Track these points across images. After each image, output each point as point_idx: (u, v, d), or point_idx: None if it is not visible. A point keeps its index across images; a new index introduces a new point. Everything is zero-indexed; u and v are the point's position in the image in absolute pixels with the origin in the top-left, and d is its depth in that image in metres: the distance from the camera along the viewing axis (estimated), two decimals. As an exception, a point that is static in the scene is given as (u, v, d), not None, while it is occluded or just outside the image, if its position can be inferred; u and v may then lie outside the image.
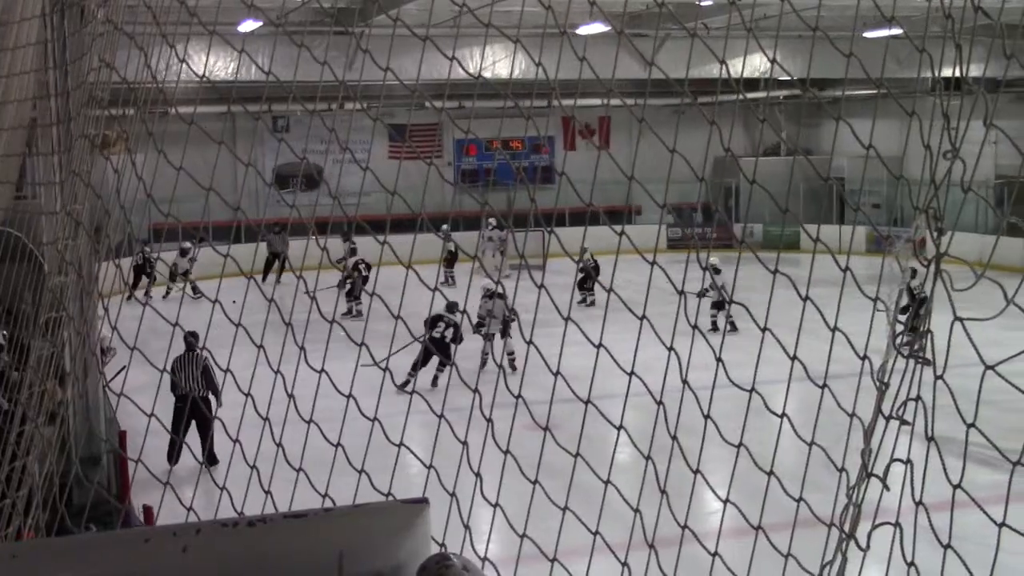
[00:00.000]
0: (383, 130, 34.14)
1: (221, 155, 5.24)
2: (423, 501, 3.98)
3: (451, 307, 17.88)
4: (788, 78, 29.90)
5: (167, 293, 27.95)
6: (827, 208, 37.10)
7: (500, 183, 36.39)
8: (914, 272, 15.89)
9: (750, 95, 32.66)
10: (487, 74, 28.67)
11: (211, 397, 15.43)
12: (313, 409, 4.75)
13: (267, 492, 4.69)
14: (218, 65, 25.84)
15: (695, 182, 4.89)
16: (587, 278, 25.89)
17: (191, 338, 14.70)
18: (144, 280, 26.68)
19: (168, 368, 11.63)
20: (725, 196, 39.26)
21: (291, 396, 4.88)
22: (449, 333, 17.95)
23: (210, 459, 13.98)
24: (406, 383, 16.94)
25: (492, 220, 32.07)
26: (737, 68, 21.98)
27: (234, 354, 4.95)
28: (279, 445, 4.82)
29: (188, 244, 28.45)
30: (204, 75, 6.73)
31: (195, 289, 26.09)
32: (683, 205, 37.19)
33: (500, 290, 20.52)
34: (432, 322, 17.78)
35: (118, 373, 6.51)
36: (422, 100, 31.52)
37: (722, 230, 36.66)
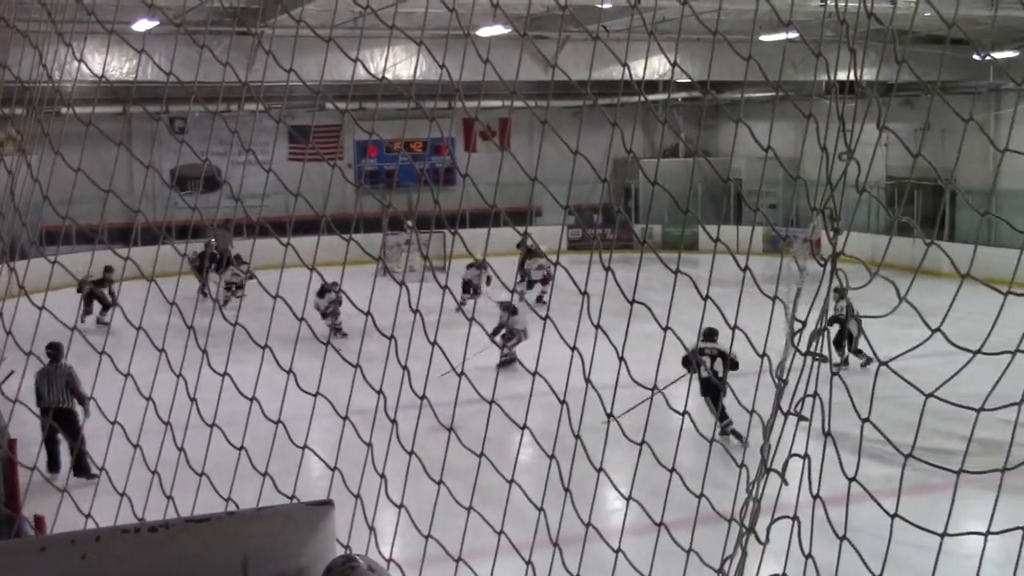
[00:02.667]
0: (283, 131, 33.81)
1: (118, 156, 5.15)
2: (328, 503, 3.96)
3: (710, 334, 14.52)
4: (687, 80, 30.25)
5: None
6: (725, 209, 37.62)
7: (402, 184, 36.30)
8: (842, 292, 15.64)
9: (651, 97, 32.97)
10: (388, 75, 28.55)
11: (77, 408, 15.08)
12: (216, 412, 4.70)
13: (169, 497, 4.63)
14: (113, 64, 25.36)
15: (595, 183, 4.92)
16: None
17: (51, 349, 14.35)
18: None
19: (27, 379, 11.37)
20: (625, 197, 39.56)
21: (193, 400, 4.82)
22: (719, 367, 14.29)
23: (79, 470, 13.70)
24: (726, 425, 13.14)
25: (410, 222, 32.02)
26: (638, 71, 22.19)
27: (135, 358, 4.88)
28: (181, 449, 4.76)
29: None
30: (102, 75, 6.59)
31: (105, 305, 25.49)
32: (584, 206, 37.42)
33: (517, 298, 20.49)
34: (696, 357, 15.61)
35: (6, 378, 6.35)
36: (324, 101, 31.24)
37: (623, 231, 36.94)
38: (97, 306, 25.58)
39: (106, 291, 25.37)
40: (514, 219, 4.89)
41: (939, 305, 3.65)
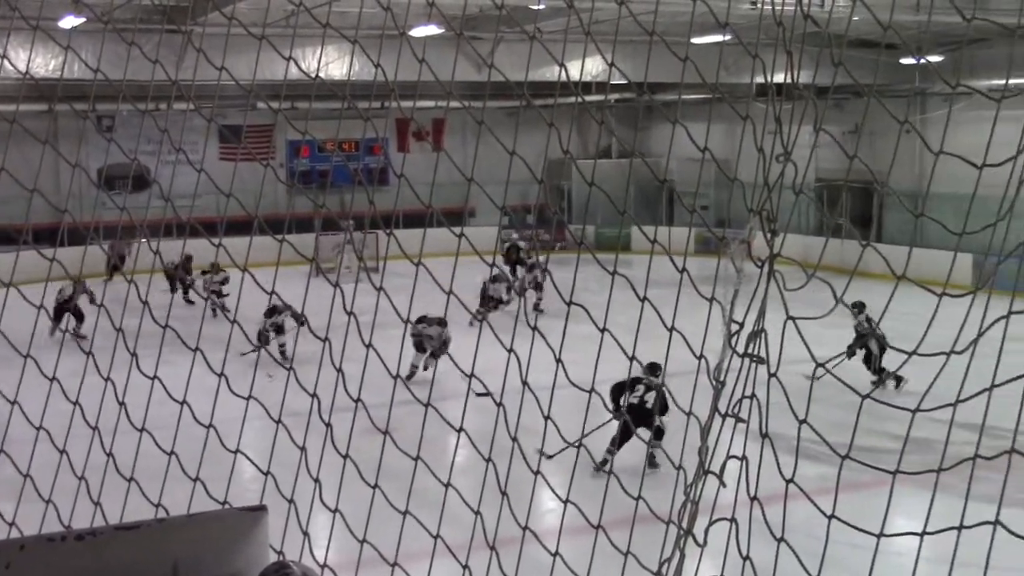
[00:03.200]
0: (215, 131, 33.46)
1: (44, 155, 5.04)
2: (260, 508, 3.90)
3: (653, 368, 13.48)
4: (622, 82, 30.37)
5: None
6: (658, 210, 37.81)
7: (335, 185, 36.04)
8: (861, 307, 15.56)
9: (586, 98, 32.99)
10: (322, 75, 28.34)
11: None
12: (146, 416, 4.60)
13: (96, 503, 4.53)
14: (38, 61, 24.92)
15: (530, 184, 4.90)
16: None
17: None
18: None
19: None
20: (559, 198, 39.62)
21: (122, 404, 4.72)
22: (650, 398, 13.02)
23: None
24: (604, 463, 12.18)
25: (349, 221, 31.79)
26: (573, 71, 22.24)
27: (60, 362, 4.77)
28: (109, 455, 4.66)
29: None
30: (26, 72, 6.45)
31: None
32: (519, 207, 37.44)
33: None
34: (630, 384, 13.01)
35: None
36: (256, 101, 30.95)
37: (558, 232, 37.01)
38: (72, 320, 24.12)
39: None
40: (449, 219, 4.85)
41: (870, 305, 3.67)
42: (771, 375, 3.72)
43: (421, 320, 17.88)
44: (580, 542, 4.26)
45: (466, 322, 15.96)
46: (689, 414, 3.95)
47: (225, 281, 25.76)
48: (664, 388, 13.50)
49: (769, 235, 3.76)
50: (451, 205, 30.85)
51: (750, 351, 3.74)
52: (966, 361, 3.40)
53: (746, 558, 3.74)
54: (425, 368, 18.13)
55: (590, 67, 26.97)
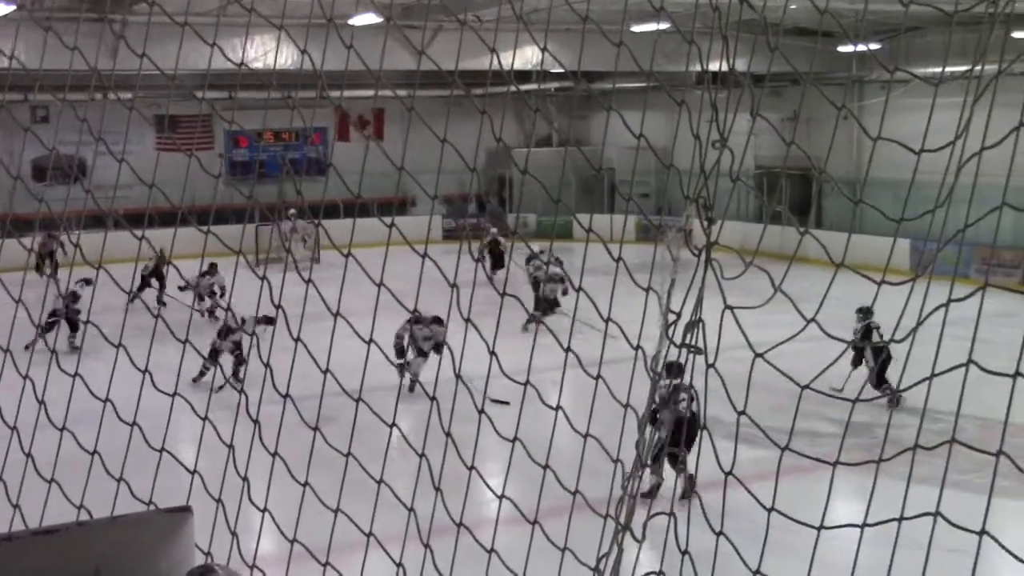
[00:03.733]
0: (155, 121, 33.04)
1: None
2: (185, 509, 3.77)
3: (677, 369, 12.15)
4: (559, 70, 30.32)
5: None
6: (598, 198, 37.83)
7: (274, 175, 35.74)
8: (866, 313, 14.78)
9: (522, 87, 32.97)
10: (259, 64, 28.04)
11: None
12: (67, 415, 4.44)
13: (15, 506, 4.37)
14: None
15: (469, 172, 4.79)
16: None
17: None
18: None
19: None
20: (499, 186, 39.53)
21: (41, 403, 4.56)
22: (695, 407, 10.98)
23: None
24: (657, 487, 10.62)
25: (293, 211, 31.64)
26: (509, 60, 22.09)
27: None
28: (28, 455, 4.49)
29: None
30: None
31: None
32: (456, 196, 37.31)
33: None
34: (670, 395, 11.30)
35: None
36: (191, 91, 30.51)
37: (496, 221, 36.93)
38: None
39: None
40: (387, 209, 4.74)
41: (808, 290, 3.60)
42: (709, 366, 3.65)
43: (417, 320, 16.37)
44: (518, 534, 4.17)
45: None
46: (626, 406, 3.86)
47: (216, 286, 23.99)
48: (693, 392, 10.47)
49: (706, 223, 3.68)
50: (389, 195, 30.74)
51: (688, 341, 3.66)
52: (906, 349, 3.34)
53: (684, 552, 3.67)
54: (402, 372, 15.89)
55: (528, 55, 26.90)
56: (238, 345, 17.78)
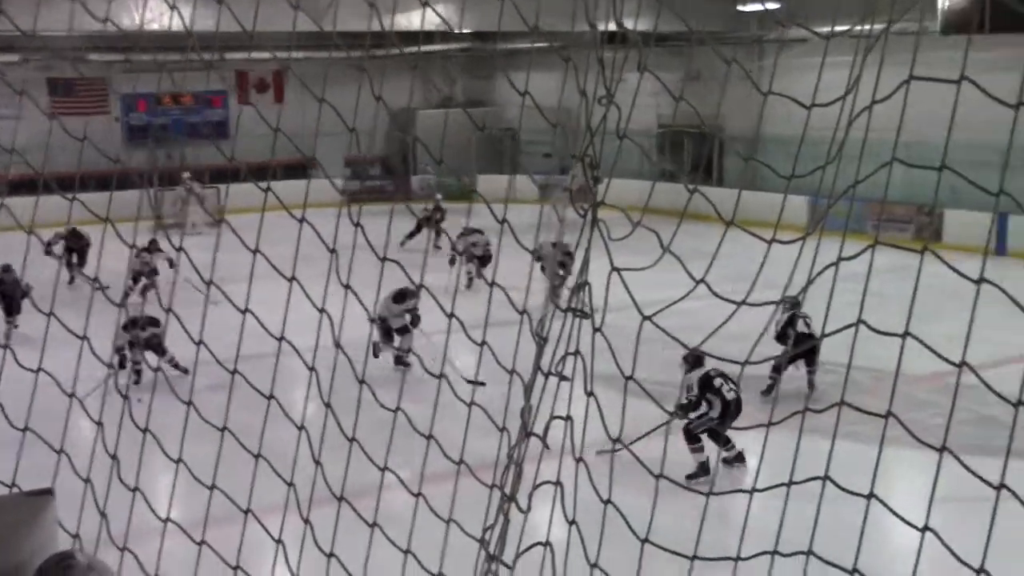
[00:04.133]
0: (48, 85, 32.11)
1: None
2: (47, 492, 3.55)
3: (697, 360, 11.18)
4: (463, 32, 30.04)
5: None
6: (501, 158, 37.65)
7: (173, 138, 35.01)
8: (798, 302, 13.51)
9: (425, 48, 32.62)
10: (155, 26, 27.34)
11: None
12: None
13: None
14: None
15: (372, 135, 4.60)
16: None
17: None
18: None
19: None
20: (403, 149, 39.12)
21: None
22: (734, 391, 11.00)
23: None
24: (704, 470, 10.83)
25: (187, 174, 31.04)
26: (415, 21, 21.71)
27: None
28: None
29: None
30: None
31: None
32: (361, 158, 36.85)
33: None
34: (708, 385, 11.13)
35: None
36: (84, 53, 29.64)
37: (401, 182, 36.59)
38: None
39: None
40: (291, 172, 4.56)
41: (703, 248, 3.48)
42: (596, 330, 3.52)
43: (404, 296, 14.84)
44: (408, 505, 4.01)
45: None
46: (512, 372, 3.72)
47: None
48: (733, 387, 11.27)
49: (592, 182, 3.53)
50: (293, 157, 30.19)
51: (574, 305, 3.52)
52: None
53: (572, 522, 3.55)
54: (377, 353, 14.72)
55: (432, 17, 26.57)
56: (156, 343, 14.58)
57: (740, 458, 11.24)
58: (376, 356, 14.34)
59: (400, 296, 15.05)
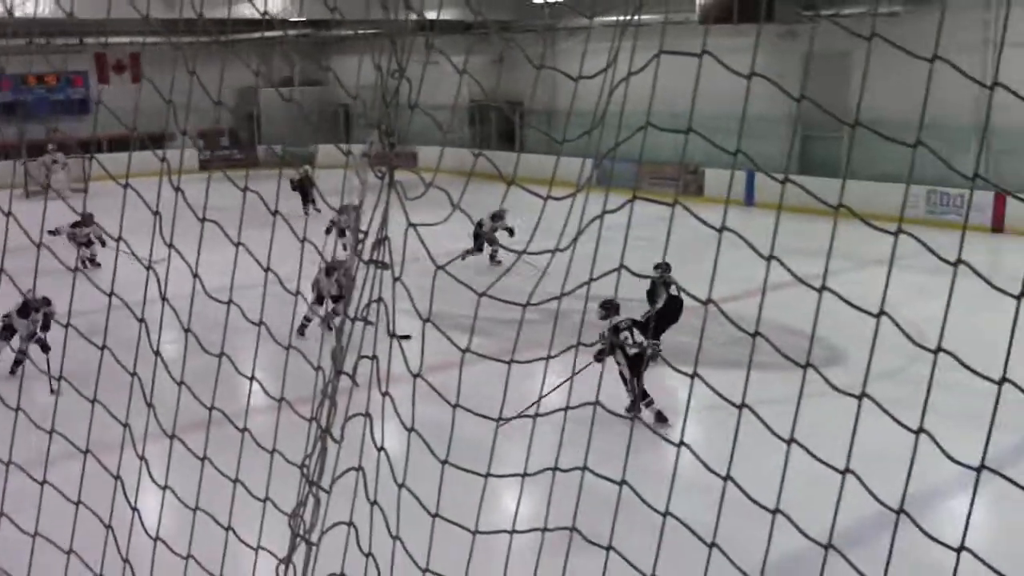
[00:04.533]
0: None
1: None
2: None
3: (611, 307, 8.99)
4: (303, 19, 29.25)
5: None
6: (337, 130, 36.91)
7: (37, 115, 33.43)
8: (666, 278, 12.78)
9: (268, 33, 31.68)
10: (18, 13, 25.69)
11: None
12: None
13: None
14: None
15: (221, 111, 4.29)
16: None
17: None
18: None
19: None
20: (248, 122, 37.97)
21: None
22: (637, 345, 10.62)
23: None
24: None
25: (52, 145, 29.54)
26: (255, 10, 21.01)
27: None
28: None
29: None
30: None
31: None
32: (211, 131, 35.66)
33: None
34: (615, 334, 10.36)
35: None
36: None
37: (248, 151, 35.57)
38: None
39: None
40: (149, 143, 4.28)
41: (492, 205, 3.35)
42: (395, 279, 3.36)
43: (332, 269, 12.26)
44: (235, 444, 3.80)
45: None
46: (324, 319, 3.53)
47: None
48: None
49: (388, 148, 3.35)
50: (151, 131, 28.95)
51: (375, 257, 3.35)
52: (569, 255, 3.15)
53: (380, 449, 3.41)
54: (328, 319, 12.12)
55: (271, 4, 25.72)
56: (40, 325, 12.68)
57: (661, 417, 10.73)
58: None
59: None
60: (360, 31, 29.01)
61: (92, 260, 18.22)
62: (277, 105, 34.35)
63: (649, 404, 10.84)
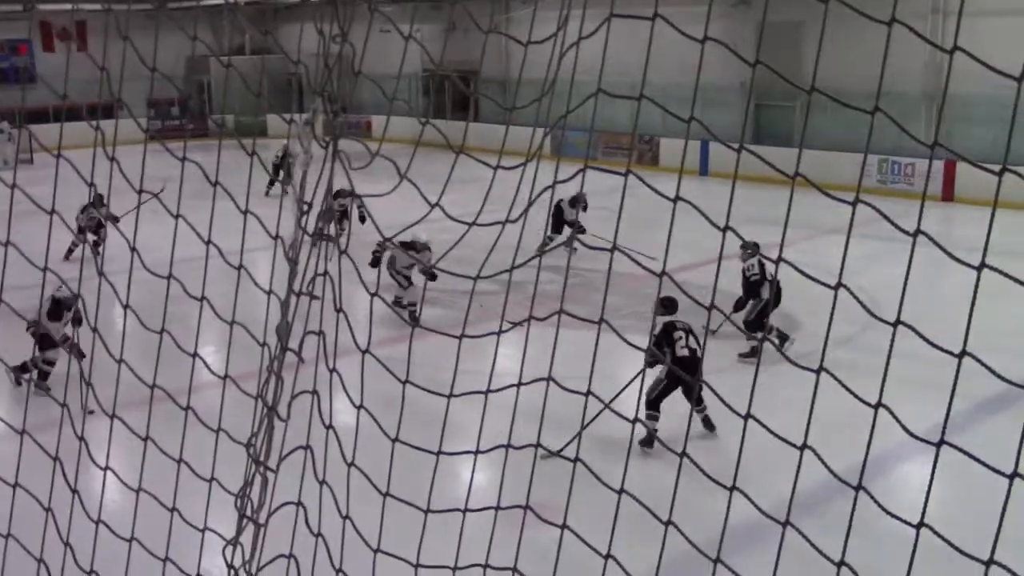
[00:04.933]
0: None
1: None
2: None
3: (670, 304, 9.46)
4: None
5: None
6: (288, 100, 36.42)
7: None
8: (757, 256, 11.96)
9: (213, 1, 31.16)
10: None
11: None
12: None
13: None
14: None
15: (173, 80, 4.15)
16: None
17: None
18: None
19: None
20: (199, 91, 37.35)
21: None
22: (696, 347, 9.39)
23: None
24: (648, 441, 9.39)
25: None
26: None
27: None
28: None
29: None
30: None
31: None
32: (162, 100, 35.04)
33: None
34: (666, 333, 9.50)
35: None
36: None
37: (199, 121, 35.02)
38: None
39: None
40: (93, 112, 4.11)
41: (443, 175, 3.25)
42: (342, 252, 3.25)
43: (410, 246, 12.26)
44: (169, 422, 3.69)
45: None
46: (269, 293, 3.41)
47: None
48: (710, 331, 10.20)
49: (332, 116, 3.24)
50: (98, 100, 28.35)
51: (321, 229, 3.24)
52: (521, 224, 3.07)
53: (328, 427, 3.31)
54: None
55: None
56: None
57: (709, 424, 9.57)
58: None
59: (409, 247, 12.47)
60: (311, -1, 28.60)
61: (97, 245, 15.52)
62: (230, 74, 33.85)
63: (703, 410, 9.61)
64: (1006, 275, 2.31)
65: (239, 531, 3.29)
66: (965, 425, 9.47)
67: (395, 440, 3.27)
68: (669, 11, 2.92)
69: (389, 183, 3.33)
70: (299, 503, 3.39)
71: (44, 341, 10.06)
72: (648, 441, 9.22)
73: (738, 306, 11.96)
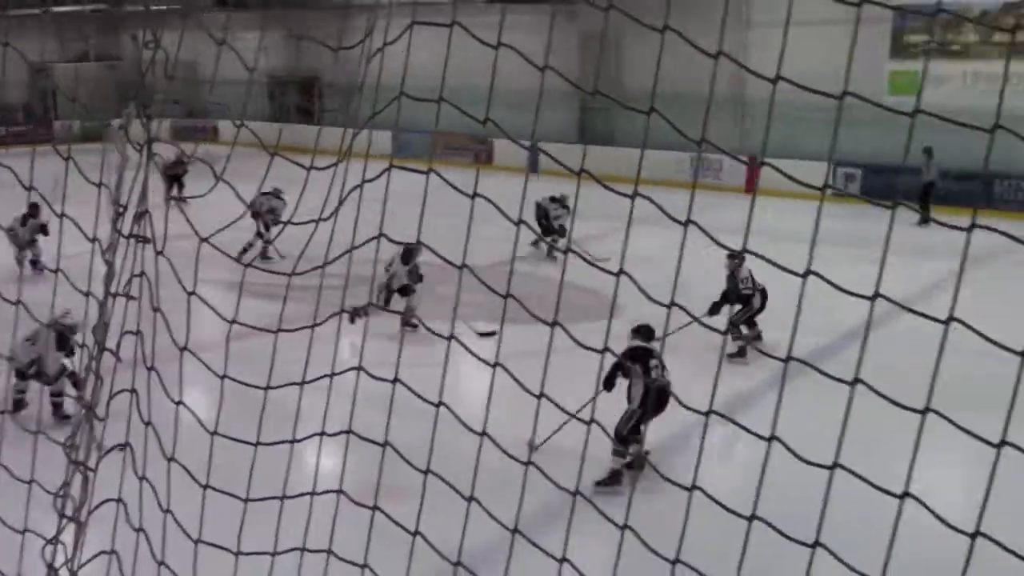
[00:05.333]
0: None
1: None
2: None
3: (647, 333, 8.22)
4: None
5: None
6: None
7: None
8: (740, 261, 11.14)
9: (57, 9, 29.64)
10: None
11: None
12: None
13: None
14: None
15: (14, 87, 3.86)
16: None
17: None
18: None
19: None
20: (43, 97, 35.50)
21: None
22: (667, 376, 8.02)
23: None
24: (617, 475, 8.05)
25: None
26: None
27: None
28: None
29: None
30: None
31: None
32: (5, 106, 33.18)
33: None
34: (632, 356, 8.07)
35: None
36: None
37: (44, 126, 33.31)
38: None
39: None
40: None
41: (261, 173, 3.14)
42: (158, 253, 3.12)
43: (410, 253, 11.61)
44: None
45: None
46: (87, 294, 3.24)
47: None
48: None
49: (145, 120, 3.10)
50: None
51: (135, 232, 3.10)
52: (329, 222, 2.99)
53: (148, 423, 3.18)
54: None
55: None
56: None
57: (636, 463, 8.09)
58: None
59: (408, 255, 11.76)
60: (153, 7, 27.55)
61: (36, 263, 13.48)
62: (75, 80, 32.32)
63: (639, 454, 8.15)
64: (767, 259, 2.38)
65: (59, 531, 3.12)
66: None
67: (213, 433, 3.15)
68: (491, 20, 2.87)
69: (229, 186, 3.21)
70: (119, 500, 3.24)
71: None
72: (613, 479, 7.93)
73: (713, 310, 10.99)
